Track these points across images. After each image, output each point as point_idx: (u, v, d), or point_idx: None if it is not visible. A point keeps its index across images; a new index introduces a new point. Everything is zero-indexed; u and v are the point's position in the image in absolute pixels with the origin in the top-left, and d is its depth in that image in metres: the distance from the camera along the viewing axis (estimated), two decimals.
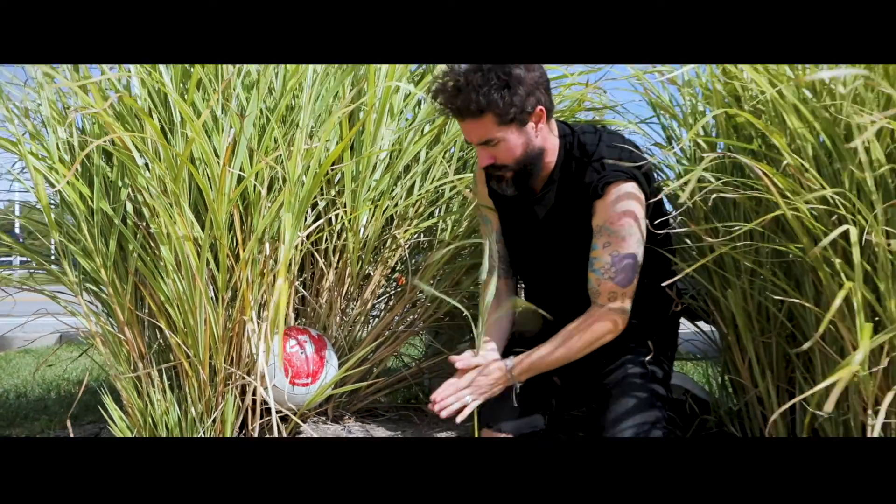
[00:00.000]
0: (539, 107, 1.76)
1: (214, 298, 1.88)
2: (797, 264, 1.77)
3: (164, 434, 1.91)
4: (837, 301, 1.39)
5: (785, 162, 1.55)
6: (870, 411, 1.61)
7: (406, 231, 2.17)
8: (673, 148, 2.02)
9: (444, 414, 1.73)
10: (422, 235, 2.23)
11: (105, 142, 1.77)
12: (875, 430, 1.53)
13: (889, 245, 1.51)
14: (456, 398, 1.75)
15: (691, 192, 1.58)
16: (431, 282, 2.16)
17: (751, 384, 1.93)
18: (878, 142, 1.53)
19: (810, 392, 1.51)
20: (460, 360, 1.78)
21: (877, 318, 1.60)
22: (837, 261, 1.55)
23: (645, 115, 2.17)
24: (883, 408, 1.52)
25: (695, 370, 2.90)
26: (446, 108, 1.75)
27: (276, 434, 1.85)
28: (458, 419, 1.74)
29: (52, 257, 2.13)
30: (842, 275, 1.56)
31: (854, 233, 1.46)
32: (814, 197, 1.57)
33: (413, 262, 2.23)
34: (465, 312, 1.62)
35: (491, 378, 1.79)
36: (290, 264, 1.82)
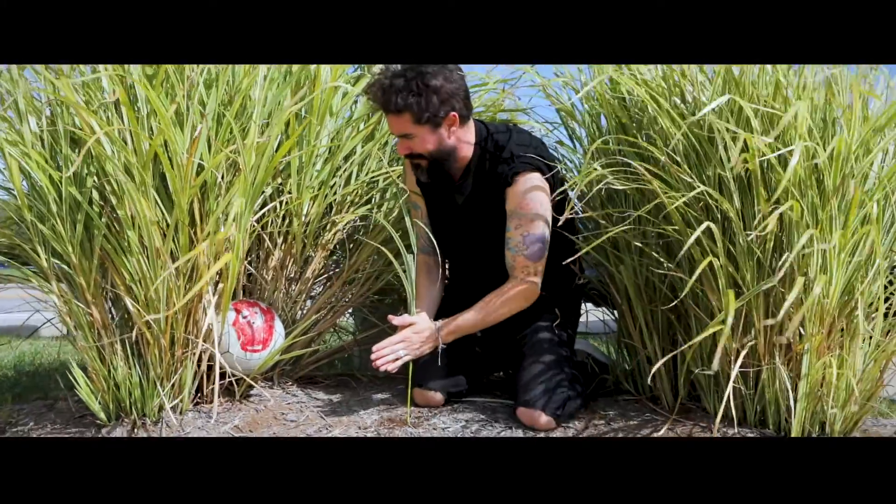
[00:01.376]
0: (452, 113, 2.07)
1: (175, 274, 2.10)
2: (675, 244, 2.11)
3: (126, 397, 2.12)
4: (699, 269, 1.74)
5: (663, 159, 1.90)
6: (732, 364, 1.97)
7: (343, 216, 2.44)
8: (575, 147, 2.36)
9: (379, 363, 2.01)
10: (358, 221, 2.49)
11: (98, 136, 1.96)
12: (732, 376, 1.88)
13: (749, 235, 1.86)
14: (391, 351, 2.04)
15: (588, 185, 1.91)
16: (367, 262, 2.44)
17: (641, 346, 2.27)
18: (735, 146, 1.89)
19: (688, 345, 1.86)
20: (397, 319, 2.08)
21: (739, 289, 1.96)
22: (706, 242, 1.90)
23: (551, 118, 2.50)
24: (739, 359, 1.88)
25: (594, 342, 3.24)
26: (374, 101, 2.07)
27: (235, 396, 2.09)
28: (392, 369, 2.02)
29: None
30: (708, 251, 1.91)
31: (715, 228, 1.80)
32: (685, 191, 1.92)
33: (349, 245, 2.50)
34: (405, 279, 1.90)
35: (422, 336, 2.08)
36: (241, 244, 2.06)
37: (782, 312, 1.73)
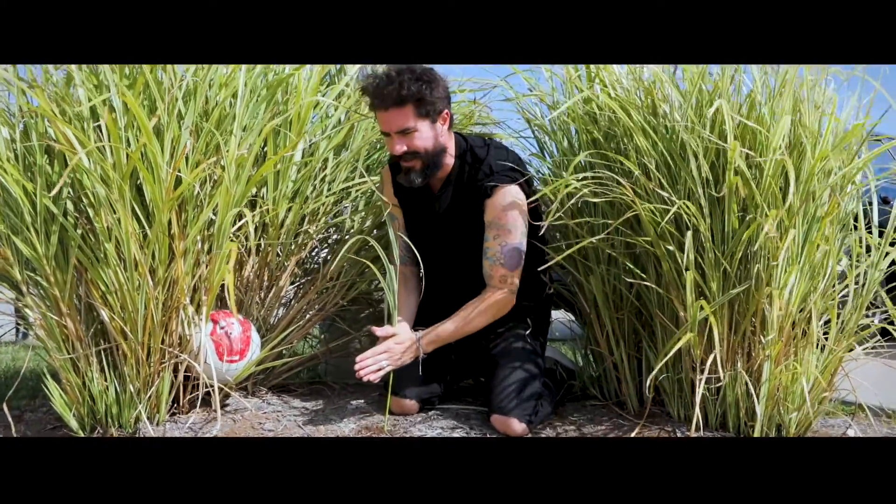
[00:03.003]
0: (446, 111, 2.14)
1: (153, 286, 2.09)
2: (643, 254, 2.21)
3: (102, 409, 2.11)
4: (689, 286, 1.83)
5: (636, 174, 1.99)
6: (697, 371, 2.07)
7: (317, 226, 2.47)
8: (546, 159, 2.43)
9: (363, 374, 2.05)
10: (333, 231, 2.52)
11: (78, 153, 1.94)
12: (700, 383, 1.98)
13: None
14: (374, 361, 2.08)
15: (565, 196, 1.98)
16: (342, 270, 2.47)
17: (608, 353, 2.36)
18: (705, 159, 1.99)
19: (663, 356, 1.94)
20: (380, 330, 2.12)
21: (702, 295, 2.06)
22: (678, 255, 1.99)
23: (520, 129, 2.57)
24: (706, 366, 1.98)
25: (562, 347, 3.34)
26: (375, 97, 2.09)
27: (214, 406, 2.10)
28: (374, 378, 2.07)
29: None
30: (680, 264, 2.01)
31: (689, 237, 1.90)
32: (656, 204, 2.02)
33: (324, 253, 2.53)
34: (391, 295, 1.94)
35: (403, 346, 2.13)
36: (229, 257, 2.07)
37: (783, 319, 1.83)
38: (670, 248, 2.01)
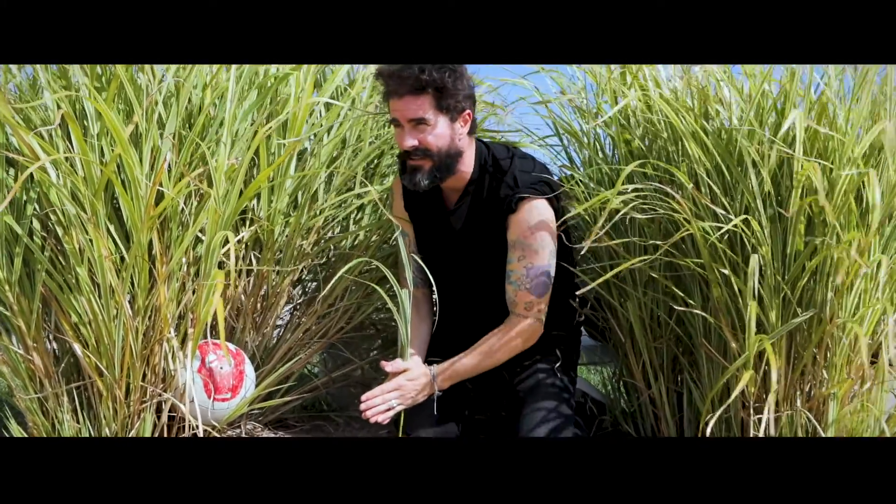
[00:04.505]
0: (468, 111, 1.89)
1: (131, 315, 1.84)
2: (687, 276, 1.96)
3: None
4: (751, 317, 1.58)
5: (691, 185, 1.74)
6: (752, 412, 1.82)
7: (320, 245, 2.22)
8: (578, 168, 2.18)
9: (369, 414, 1.80)
10: (332, 248, 2.26)
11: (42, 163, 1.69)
12: (761, 426, 1.73)
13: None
14: (382, 400, 1.83)
15: (607, 217, 1.72)
16: (344, 292, 2.21)
17: (644, 386, 2.11)
18: (766, 169, 1.74)
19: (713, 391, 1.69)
20: (390, 365, 1.87)
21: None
22: (735, 281, 1.74)
23: (545, 137, 2.31)
24: (770, 404, 1.73)
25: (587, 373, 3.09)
26: (390, 80, 1.84)
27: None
28: (382, 419, 1.82)
29: None
30: (736, 290, 1.76)
31: (753, 262, 1.65)
32: (710, 219, 1.77)
33: (322, 272, 2.27)
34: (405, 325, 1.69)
35: (417, 383, 1.87)
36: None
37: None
38: (725, 271, 1.75)
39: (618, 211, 1.74)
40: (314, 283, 2.34)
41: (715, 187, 1.75)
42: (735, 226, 1.69)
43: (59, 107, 1.76)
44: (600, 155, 2.10)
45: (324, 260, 2.30)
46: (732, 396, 1.60)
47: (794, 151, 1.66)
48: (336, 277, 1.98)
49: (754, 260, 1.64)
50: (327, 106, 2.24)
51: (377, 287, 2.00)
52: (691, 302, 1.88)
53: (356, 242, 2.27)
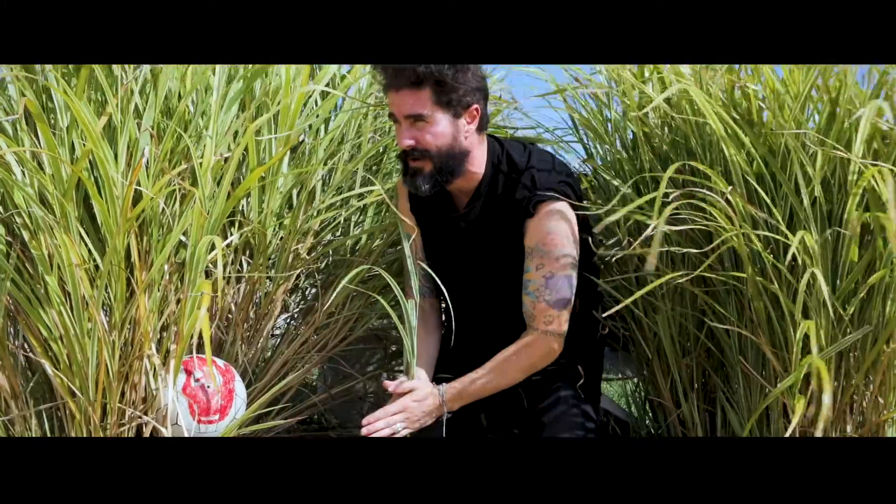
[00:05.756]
0: (475, 105, 1.70)
1: (107, 330, 1.66)
2: (720, 288, 1.78)
3: None
4: (799, 335, 1.40)
5: (730, 188, 1.55)
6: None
7: (314, 248, 2.03)
8: (599, 163, 1.99)
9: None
10: (331, 253, 2.08)
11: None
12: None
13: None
14: (386, 423, 1.65)
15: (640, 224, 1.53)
16: (345, 300, 2.03)
17: (672, 405, 1.93)
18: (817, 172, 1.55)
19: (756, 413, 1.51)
20: (393, 385, 1.69)
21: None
22: (784, 300, 1.56)
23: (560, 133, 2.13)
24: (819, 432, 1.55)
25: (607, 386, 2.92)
26: (387, 72, 1.68)
27: None
28: None
29: None
30: (782, 305, 1.57)
31: (806, 279, 1.46)
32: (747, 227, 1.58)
33: (320, 277, 2.09)
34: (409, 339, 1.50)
35: (425, 405, 1.70)
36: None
37: None
38: (772, 286, 1.57)
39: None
40: (312, 290, 2.15)
41: (762, 191, 1.56)
42: (785, 235, 1.50)
43: (23, 95, 1.57)
44: (624, 154, 1.90)
45: (323, 264, 2.11)
46: (791, 428, 1.41)
47: (851, 152, 1.47)
48: (339, 286, 1.80)
49: (806, 277, 1.45)
50: (323, 95, 2.05)
51: (379, 297, 1.82)
52: (731, 318, 1.69)
53: (358, 247, 2.08)
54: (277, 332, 2.14)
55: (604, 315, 1.74)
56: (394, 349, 2.34)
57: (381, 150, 2.12)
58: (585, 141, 2.06)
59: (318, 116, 1.97)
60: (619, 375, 2.32)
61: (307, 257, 1.99)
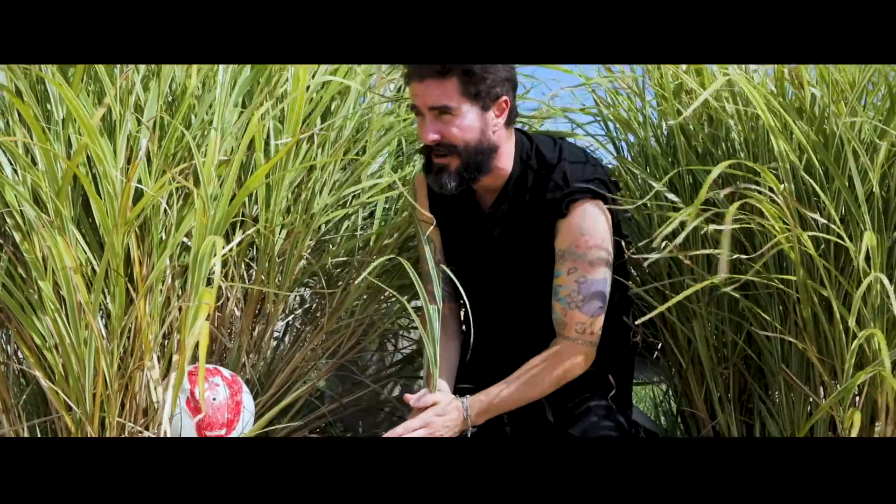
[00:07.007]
0: (504, 97, 1.60)
1: (105, 338, 1.55)
2: (763, 292, 1.67)
3: None
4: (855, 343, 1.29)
5: (783, 186, 1.43)
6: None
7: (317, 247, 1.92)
8: (628, 158, 1.88)
9: None
10: (343, 253, 1.96)
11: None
12: None
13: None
14: None
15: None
16: (357, 304, 1.92)
17: (707, 416, 1.82)
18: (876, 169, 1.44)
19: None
20: (415, 398, 1.59)
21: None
22: (837, 306, 1.45)
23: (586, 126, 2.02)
24: None
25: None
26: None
27: None
28: None
29: None
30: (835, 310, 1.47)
31: (865, 284, 1.36)
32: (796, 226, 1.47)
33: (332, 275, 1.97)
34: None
35: (448, 419, 1.59)
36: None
37: None
38: (824, 293, 1.46)
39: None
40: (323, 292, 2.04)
41: (819, 190, 1.45)
42: (840, 238, 1.39)
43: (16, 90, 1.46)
44: (657, 148, 1.79)
45: (340, 270, 2.00)
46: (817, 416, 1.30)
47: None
48: (360, 279, 1.69)
49: (865, 283, 1.34)
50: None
51: (400, 297, 1.71)
52: (776, 324, 1.58)
53: (367, 248, 1.97)
54: (277, 334, 2.03)
55: (636, 322, 1.63)
56: (402, 354, 2.23)
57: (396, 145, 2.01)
58: (615, 135, 1.95)
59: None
60: (645, 380, 2.21)
61: (313, 262, 1.87)
